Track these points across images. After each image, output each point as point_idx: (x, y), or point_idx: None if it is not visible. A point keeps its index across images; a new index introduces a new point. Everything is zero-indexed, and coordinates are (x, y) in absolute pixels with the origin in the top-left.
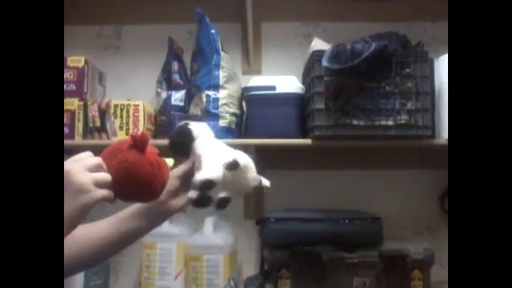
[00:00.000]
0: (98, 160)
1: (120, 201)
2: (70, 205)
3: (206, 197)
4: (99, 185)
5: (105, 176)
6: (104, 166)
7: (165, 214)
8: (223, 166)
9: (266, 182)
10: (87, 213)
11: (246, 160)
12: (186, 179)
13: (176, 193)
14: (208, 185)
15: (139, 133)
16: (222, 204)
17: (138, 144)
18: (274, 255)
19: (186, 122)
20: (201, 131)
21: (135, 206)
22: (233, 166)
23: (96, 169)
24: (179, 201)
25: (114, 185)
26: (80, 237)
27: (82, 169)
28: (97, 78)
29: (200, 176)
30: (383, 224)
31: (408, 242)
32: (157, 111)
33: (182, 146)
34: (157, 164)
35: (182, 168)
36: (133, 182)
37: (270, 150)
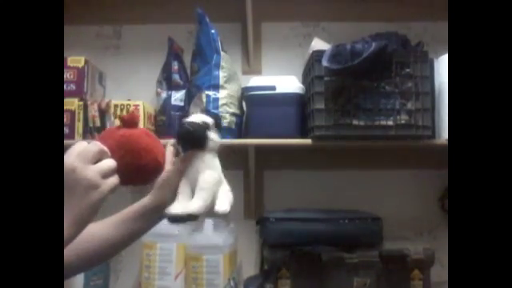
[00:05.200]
0: (97, 146)
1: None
2: (81, 203)
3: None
4: (106, 175)
5: (109, 163)
6: (104, 148)
7: (163, 207)
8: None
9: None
10: (99, 207)
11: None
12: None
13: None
14: (188, 219)
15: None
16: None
17: (129, 121)
18: (274, 255)
19: (202, 121)
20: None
21: (136, 206)
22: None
23: (99, 156)
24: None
25: (118, 165)
26: (80, 237)
27: (87, 162)
28: (97, 78)
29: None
30: (383, 224)
31: (408, 241)
32: (157, 111)
33: (199, 139)
34: (151, 135)
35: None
36: (135, 154)
37: (270, 150)
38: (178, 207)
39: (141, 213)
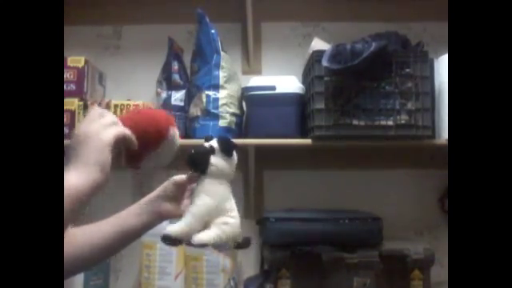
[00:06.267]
0: (99, 109)
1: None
2: (85, 153)
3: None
4: (107, 126)
5: (111, 117)
6: (107, 111)
7: (160, 215)
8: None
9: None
10: (108, 154)
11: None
12: (181, 189)
13: (171, 198)
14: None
15: None
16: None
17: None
18: (274, 255)
19: (209, 145)
20: (217, 165)
21: (134, 206)
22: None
23: (100, 115)
24: (174, 207)
25: (132, 127)
26: (81, 237)
27: (86, 121)
28: (97, 78)
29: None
30: (383, 224)
31: (408, 241)
32: None
33: (199, 163)
34: (158, 110)
35: (180, 178)
36: (138, 122)
37: (270, 150)
38: (170, 226)
39: (138, 210)
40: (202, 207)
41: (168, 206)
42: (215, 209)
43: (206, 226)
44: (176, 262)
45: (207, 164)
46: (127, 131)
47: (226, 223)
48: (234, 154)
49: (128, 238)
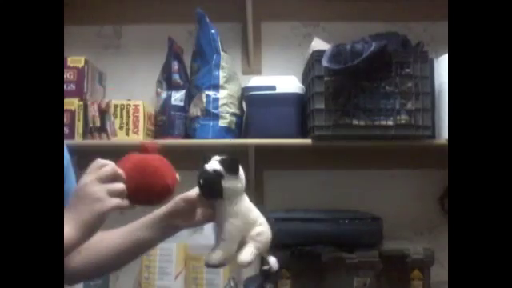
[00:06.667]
0: (112, 168)
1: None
2: (86, 212)
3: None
4: (113, 194)
5: (118, 186)
6: (119, 171)
7: (173, 228)
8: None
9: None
10: (103, 220)
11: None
12: (191, 206)
13: (182, 213)
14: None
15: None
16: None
17: (150, 149)
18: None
19: (213, 170)
20: (231, 188)
21: (146, 218)
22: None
23: (112, 176)
24: (186, 221)
25: (129, 188)
26: (97, 244)
27: (96, 180)
28: (97, 78)
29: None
30: (383, 224)
31: (408, 241)
32: (157, 111)
33: (214, 191)
34: (164, 160)
35: (191, 196)
36: (145, 176)
37: (270, 150)
38: (210, 255)
39: (149, 223)
40: (233, 231)
41: (179, 221)
42: (244, 226)
43: (242, 243)
44: (176, 262)
45: (222, 190)
46: (127, 204)
47: (259, 234)
48: (240, 168)
49: (140, 249)
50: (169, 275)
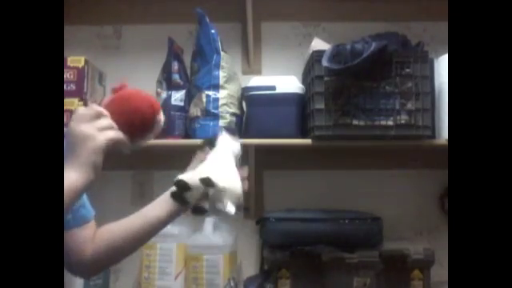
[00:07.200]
0: (93, 108)
1: (118, 205)
2: (81, 153)
3: (180, 196)
4: (102, 129)
5: (104, 120)
6: (100, 109)
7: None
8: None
9: (230, 209)
10: (100, 156)
11: (226, 183)
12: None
13: None
14: (182, 185)
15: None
16: (197, 210)
17: (115, 91)
18: (274, 255)
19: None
20: (224, 143)
21: (162, 196)
22: (205, 182)
23: (96, 116)
24: None
25: (116, 121)
26: (115, 228)
27: (81, 122)
28: (97, 78)
29: (182, 175)
30: (383, 224)
31: (408, 241)
32: None
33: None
34: (136, 89)
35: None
36: (125, 104)
37: (270, 150)
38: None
39: (158, 202)
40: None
41: None
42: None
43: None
44: (176, 261)
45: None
46: (121, 135)
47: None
48: (239, 141)
49: (154, 228)
50: (169, 275)
